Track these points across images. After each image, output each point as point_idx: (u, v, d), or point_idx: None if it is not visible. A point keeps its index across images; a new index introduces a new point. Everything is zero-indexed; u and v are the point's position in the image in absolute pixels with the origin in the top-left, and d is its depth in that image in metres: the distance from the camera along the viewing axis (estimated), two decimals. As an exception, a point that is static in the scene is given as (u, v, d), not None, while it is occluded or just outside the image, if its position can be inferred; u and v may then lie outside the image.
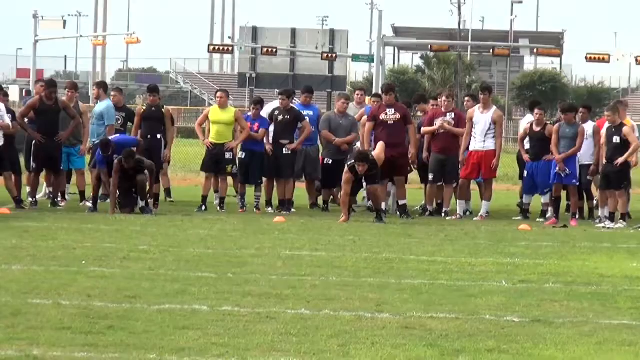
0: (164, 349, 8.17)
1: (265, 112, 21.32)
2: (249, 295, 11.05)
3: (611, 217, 19.46)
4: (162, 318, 9.55)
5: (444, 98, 20.94)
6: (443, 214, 20.50)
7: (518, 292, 11.70)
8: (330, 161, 20.76)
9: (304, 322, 9.46)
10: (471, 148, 20.34)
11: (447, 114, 20.67)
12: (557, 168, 19.72)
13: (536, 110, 21.32)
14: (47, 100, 20.45)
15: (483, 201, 20.79)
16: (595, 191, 20.91)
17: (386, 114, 19.78)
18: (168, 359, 7.83)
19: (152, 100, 21.10)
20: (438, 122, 20.21)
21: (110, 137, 20.44)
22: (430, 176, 20.43)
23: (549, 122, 21.65)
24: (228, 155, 20.73)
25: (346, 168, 18.60)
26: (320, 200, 21.89)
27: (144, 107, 21.15)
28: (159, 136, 20.81)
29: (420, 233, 17.82)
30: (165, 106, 21.91)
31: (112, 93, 22.66)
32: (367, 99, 22.50)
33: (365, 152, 19.01)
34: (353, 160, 18.58)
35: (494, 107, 21.34)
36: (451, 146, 20.20)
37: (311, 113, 21.35)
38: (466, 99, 22.55)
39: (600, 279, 12.97)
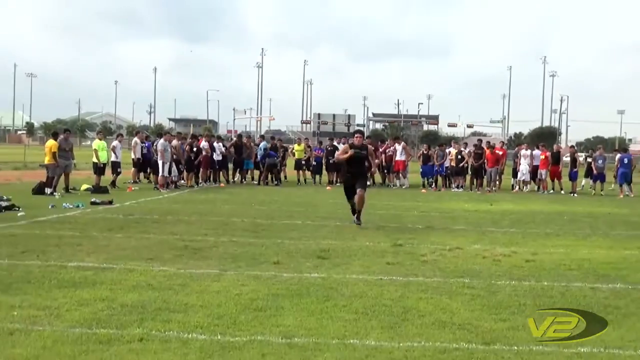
0: (309, 238, 9.23)
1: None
2: (316, 217, 12.37)
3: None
4: (295, 226, 10.74)
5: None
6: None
7: (423, 219, 12.66)
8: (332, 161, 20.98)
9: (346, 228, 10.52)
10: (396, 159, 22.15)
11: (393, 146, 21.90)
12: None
13: (402, 143, 23.05)
14: (238, 142, 22.73)
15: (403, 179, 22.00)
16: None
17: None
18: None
19: (273, 144, 22.69)
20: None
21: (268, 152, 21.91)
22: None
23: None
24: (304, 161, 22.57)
25: (347, 147, 12.87)
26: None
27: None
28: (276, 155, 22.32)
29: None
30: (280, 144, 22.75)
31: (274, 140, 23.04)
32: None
33: (360, 129, 14.33)
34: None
35: (403, 142, 24.03)
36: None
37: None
38: (388, 141, 23.66)
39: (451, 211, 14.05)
